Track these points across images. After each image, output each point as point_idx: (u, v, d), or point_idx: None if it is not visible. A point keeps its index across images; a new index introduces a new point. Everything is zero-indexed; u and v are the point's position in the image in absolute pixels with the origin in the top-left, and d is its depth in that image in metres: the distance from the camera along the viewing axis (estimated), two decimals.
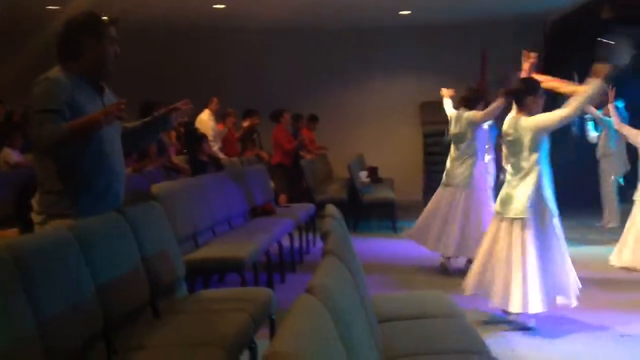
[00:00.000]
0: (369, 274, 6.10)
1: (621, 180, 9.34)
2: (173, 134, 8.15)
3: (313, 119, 11.65)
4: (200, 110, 10.01)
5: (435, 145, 12.73)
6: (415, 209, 11.69)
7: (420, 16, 11.75)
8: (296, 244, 7.64)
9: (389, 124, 13.24)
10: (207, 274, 5.60)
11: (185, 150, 8.23)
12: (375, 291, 4.97)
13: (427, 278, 6.82)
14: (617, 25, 9.74)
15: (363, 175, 10.45)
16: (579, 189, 9.35)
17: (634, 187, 6.57)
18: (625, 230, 6.59)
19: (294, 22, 12.07)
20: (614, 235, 8.67)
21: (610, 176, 9.37)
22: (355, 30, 12.77)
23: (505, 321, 5.09)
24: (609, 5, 9.47)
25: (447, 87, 7.70)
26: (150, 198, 4.60)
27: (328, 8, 10.95)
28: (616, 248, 6.64)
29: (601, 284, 6.36)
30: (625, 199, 9.74)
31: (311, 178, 9.96)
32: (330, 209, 3.61)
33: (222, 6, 10.49)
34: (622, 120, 7.40)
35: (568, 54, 10.90)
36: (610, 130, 9.08)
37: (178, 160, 7.69)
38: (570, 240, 5.69)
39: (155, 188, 4.97)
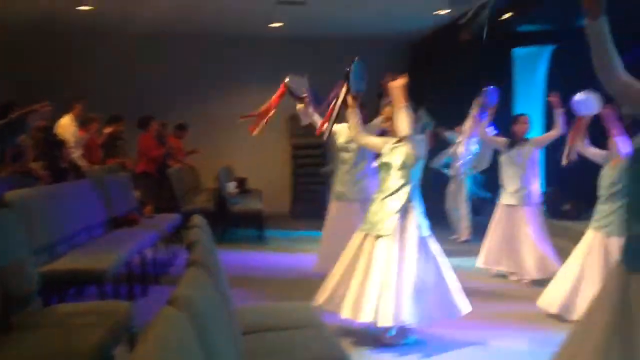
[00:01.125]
0: (237, 285, 6.11)
1: (479, 194, 9.88)
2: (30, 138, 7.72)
3: (181, 127, 11.46)
4: (63, 115, 9.56)
5: (303, 158, 12.92)
6: (283, 219, 11.85)
7: (291, 29, 11.89)
8: (161, 255, 7.46)
9: (258, 135, 13.24)
10: (64, 286, 5.33)
11: (43, 156, 7.81)
12: (242, 302, 4.96)
13: (296, 289, 6.84)
14: (474, 46, 10.32)
15: (231, 185, 10.41)
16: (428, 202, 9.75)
17: (492, 199, 7.00)
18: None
19: (166, 28, 11.84)
20: (468, 246, 9.19)
21: (464, 189, 9.86)
22: (227, 39, 12.71)
23: (375, 335, 5.08)
24: (466, 27, 10.02)
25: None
26: (3, 206, 4.32)
27: (200, 16, 10.85)
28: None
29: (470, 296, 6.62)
30: (478, 212, 10.35)
31: (178, 187, 9.78)
32: (196, 219, 3.55)
33: (89, 8, 10.09)
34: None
35: (429, 74, 11.41)
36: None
37: (36, 166, 7.29)
38: None
39: (10, 195, 4.69)
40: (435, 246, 5.00)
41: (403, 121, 4.88)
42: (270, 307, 4.55)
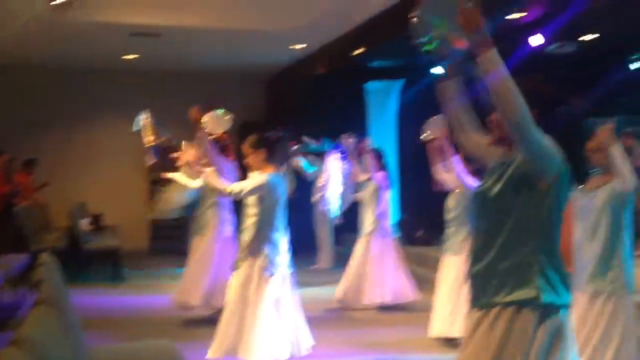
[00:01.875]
0: (93, 327, 5.83)
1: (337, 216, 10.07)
2: None
3: (30, 163, 10.86)
4: None
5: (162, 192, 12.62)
6: (142, 257, 11.47)
7: (146, 61, 11.69)
8: (8, 299, 6.97)
9: (115, 170, 12.83)
10: None
11: None
12: (97, 343, 4.72)
13: (155, 328, 6.60)
14: (328, 80, 10.64)
15: (85, 222, 9.97)
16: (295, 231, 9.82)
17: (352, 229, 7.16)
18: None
19: (17, 58, 11.25)
20: (329, 276, 9.34)
21: (328, 219, 10.05)
22: (80, 72, 12.26)
23: None
24: (322, 62, 10.32)
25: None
26: None
27: (50, 45, 10.40)
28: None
29: (329, 324, 6.70)
30: (340, 242, 10.57)
31: (27, 226, 9.23)
32: (44, 257, 3.37)
33: None
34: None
35: (286, 107, 11.62)
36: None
37: None
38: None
39: None
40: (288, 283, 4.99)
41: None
42: (127, 347, 4.38)
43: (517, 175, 2.41)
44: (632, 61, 10.17)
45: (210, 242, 6.65)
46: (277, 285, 4.85)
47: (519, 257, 2.37)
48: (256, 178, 4.89)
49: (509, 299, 2.35)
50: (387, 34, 8.44)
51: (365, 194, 7.44)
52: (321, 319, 6.84)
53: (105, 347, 4.29)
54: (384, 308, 7.19)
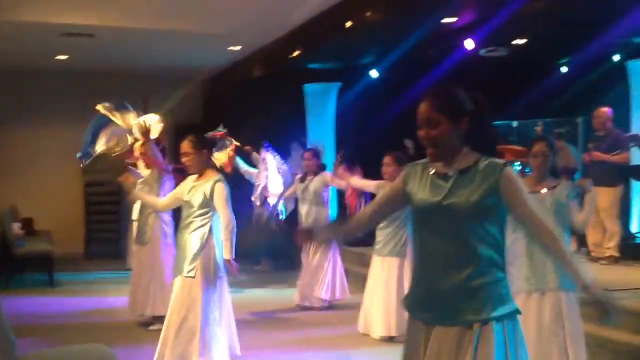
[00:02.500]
0: (26, 333, 5.67)
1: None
2: None
3: None
4: None
5: (97, 195, 12.37)
6: (76, 261, 11.21)
7: (77, 61, 11.43)
8: None
9: (46, 173, 12.49)
10: None
11: None
12: (31, 349, 4.62)
13: (90, 333, 6.46)
14: (268, 82, 10.64)
15: (16, 227, 9.68)
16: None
17: None
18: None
19: None
20: (272, 277, 9.36)
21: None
22: (10, 72, 11.88)
23: None
24: (260, 64, 10.33)
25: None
26: None
27: None
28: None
29: (277, 324, 6.72)
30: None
31: None
32: None
33: None
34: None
35: (224, 109, 11.55)
36: None
37: None
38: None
39: None
40: (226, 287, 4.98)
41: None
42: (61, 352, 4.28)
43: (490, 189, 2.40)
44: (562, 65, 10.56)
45: (155, 251, 6.52)
46: (220, 287, 4.85)
47: (493, 272, 2.38)
48: (220, 191, 4.82)
49: (495, 314, 2.34)
50: (324, 36, 8.53)
51: (304, 193, 7.47)
52: (266, 320, 6.87)
53: (40, 352, 4.19)
54: (329, 307, 7.25)
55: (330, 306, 7.27)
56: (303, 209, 7.48)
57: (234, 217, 4.81)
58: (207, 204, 4.82)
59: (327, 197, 7.51)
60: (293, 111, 11.26)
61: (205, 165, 4.94)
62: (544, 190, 4.08)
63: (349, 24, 7.86)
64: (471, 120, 2.42)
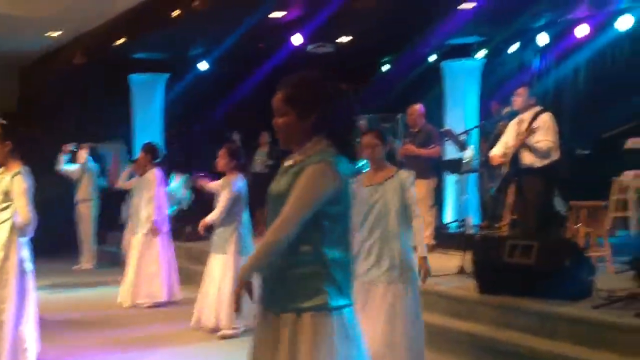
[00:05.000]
0: None
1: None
2: None
3: None
4: None
5: None
6: None
7: None
8: None
9: None
10: None
11: None
12: None
13: None
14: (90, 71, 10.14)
15: None
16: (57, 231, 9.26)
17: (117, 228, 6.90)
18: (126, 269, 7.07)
19: None
20: (92, 276, 8.95)
21: (90, 218, 9.62)
22: None
23: None
24: (81, 51, 9.81)
25: None
26: None
27: None
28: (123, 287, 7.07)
29: (102, 324, 6.40)
30: (103, 240, 10.17)
31: None
32: None
33: None
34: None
35: (43, 98, 10.88)
36: (93, 177, 9.51)
37: None
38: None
39: None
40: (32, 282, 4.69)
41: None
42: None
43: (292, 183, 2.40)
44: (384, 63, 11.04)
45: None
46: (26, 284, 4.57)
47: (308, 263, 2.39)
48: (18, 184, 4.47)
49: (304, 305, 2.37)
50: (149, 26, 8.27)
51: (141, 190, 7.20)
52: (91, 320, 6.56)
53: None
54: (159, 305, 7.04)
55: (160, 304, 7.06)
56: (136, 202, 7.26)
57: (32, 212, 4.50)
58: (8, 197, 4.52)
59: (160, 195, 7.25)
60: (116, 102, 10.86)
61: (9, 157, 4.61)
62: (386, 181, 4.13)
63: (176, 12, 7.69)
64: (321, 114, 2.42)
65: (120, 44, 9.15)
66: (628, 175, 4.95)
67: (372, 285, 4.07)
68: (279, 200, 2.41)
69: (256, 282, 2.50)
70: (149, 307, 6.98)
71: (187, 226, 9.37)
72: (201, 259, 7.20)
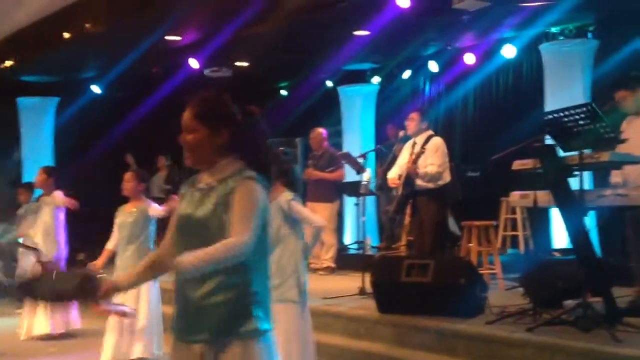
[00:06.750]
0: None
1: None
2: None
3: None
4: None
5: None
6: None
7: None
8: None
9: None
10: None
11: None
12: None
13: None
14: None
15: None
16: None
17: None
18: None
19: None
20: None
21: None
22: None
23: None
24: None
25: None
26: None
27: None
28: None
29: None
30: None
31: None
32: None
33: None
34: None
35: None
36: None
37: None
38: None
39: None
40: None
41: None
42: None
43: (221, 203, 2.33)
44: (282, 88, 11.12)
45: None
46: None
47: (236, 287, 2.31)
48: None
49: (235, 332, 2.29)
50: (39, 47, 7.99)
51: (42, 214, 6.82)
52: None
53: None
54: (53, 337, 6.69)
55: (56, 336, 6.71)
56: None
57: None
58: None
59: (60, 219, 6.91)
60: (4, 126, 10.38)
61: None
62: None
63: (67, 34, 7.46)
64: (234, 132, 2.39)
65: (8, 67, 8.79)
66: (515, 196, 5.17)
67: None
68: (203, 224, 2.33)
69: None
70: (45, 339, 6.67)
71: (80, 254, 9.03)
72: None
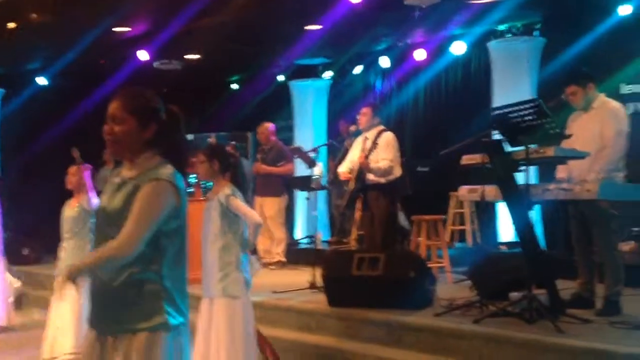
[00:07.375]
0: None
1: None
2: None
3: None
4: None
5: None
6: None
7: None
8: None
9: None
10: None
11: None
12: None
13: None
14: None
15: None
16: None
17: None
18: None
19: None
20: None
21: None
22: None
23: None
24: None
25: None
26: None
27: None
28: None
29: None
30: None
31: None
32: None
33: None
34: None
35: None
36: None
37: None
38: None
39: None
40: None
41: None
42: None
43: (129, 200, 2.34)
44: (234, 82, 11.05)
45: None
46: None
47: (146, 282, 2.33)
48: None
49: (142, 325, 2.31)
50: None
51: None
52: None
53: None
54: None
55: None
56: None
57: None
58: None
59: None
60: None
61: None
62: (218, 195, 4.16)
63: (11, 25, 7.26)
64: (159, 128, 2.40)
65: None
66: (463, 190, 5.25)
67: (213, 300, 4.10)
68: (114, 217, 2.35)
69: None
70: None
71: (24, 248, 8.84)
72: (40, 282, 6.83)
